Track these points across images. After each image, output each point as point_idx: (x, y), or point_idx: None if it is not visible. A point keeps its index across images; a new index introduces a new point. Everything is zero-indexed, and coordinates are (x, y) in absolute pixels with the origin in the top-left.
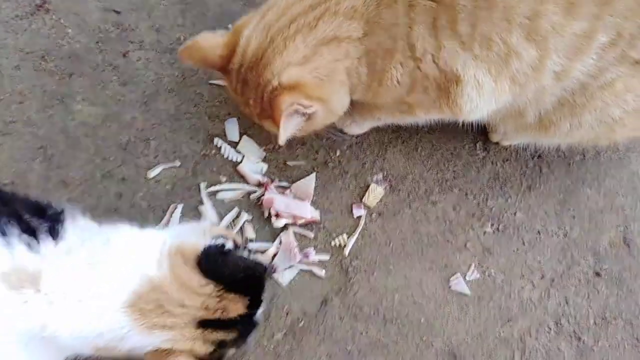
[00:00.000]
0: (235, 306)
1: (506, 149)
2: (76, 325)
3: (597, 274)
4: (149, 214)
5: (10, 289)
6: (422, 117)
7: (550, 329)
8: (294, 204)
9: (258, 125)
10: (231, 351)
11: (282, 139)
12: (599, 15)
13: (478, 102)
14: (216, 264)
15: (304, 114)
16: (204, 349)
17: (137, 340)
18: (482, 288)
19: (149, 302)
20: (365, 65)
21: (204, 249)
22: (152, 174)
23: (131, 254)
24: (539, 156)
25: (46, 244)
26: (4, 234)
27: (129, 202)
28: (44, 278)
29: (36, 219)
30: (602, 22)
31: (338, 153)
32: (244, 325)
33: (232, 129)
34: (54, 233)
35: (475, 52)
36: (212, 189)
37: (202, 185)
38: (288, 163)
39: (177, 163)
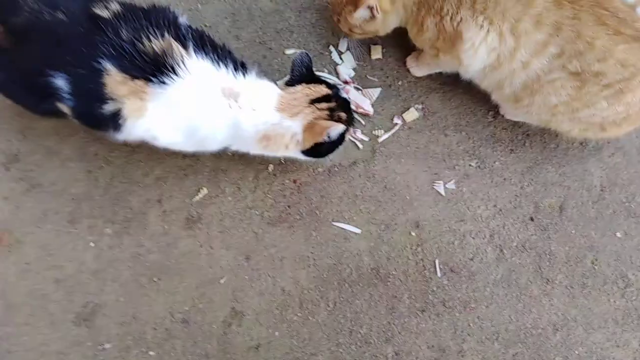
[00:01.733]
0: (321, 88)
1: (507, 121)
2: (256, 120)
3: (531, 219)
4: (275, 75)
5: (224, 97)
6: (444, 62)
7: (485, 237)
8: (361, 98)
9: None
10: (343, 115)
11: (357, 16)
12: (552, 34)
13: (471, 60)
14: (294, 78)
15: (372, 14)
16: (322, 114)
17: (289, 125)
18: (452, 195)
19: (283, 103)
20: (416, 8)
21: (287, 79)
22: (288, 52)
23: (272, 88)
24: (528, 134)
25: (242, 76)
26: (226, 65)
27: (268, 64)
28: (241, 95)
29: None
30: (553, 39)
31: (400, 82)
32: (337, 98)
33: (343, 43)
34: (246, 72)
35: (479, 24)
36: (318, 73)
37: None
38: (367, 77)
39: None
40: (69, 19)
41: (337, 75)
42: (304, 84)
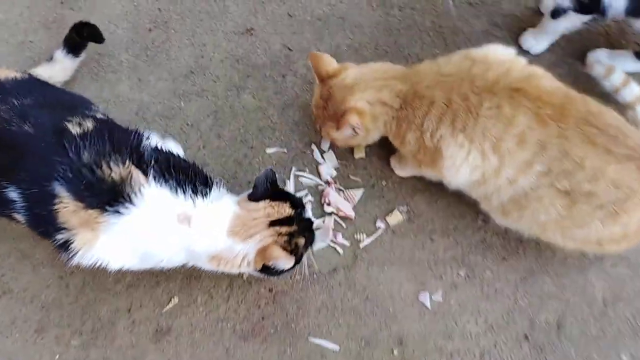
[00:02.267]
0: (284, 208)
1: (499, 226)
2: (206, 244)
3: (526, 337)
4: (256, 173)
5: (178, 223)
6: (426, 173)
7: (475, 356)
8: (341, 202)
9: (343, 147)
10: (301, 241)
11: (339, 136)
12: (537, 153)
13: (454, 177)
14: (257, 192)
15: (354, 131)
16: (280, 239)
17: (240, 248)
18: (439, 308)
19: (238, 225)
20: (395, 122)
21: (249, 193)
22: (269, 150)
23: (228, 209)
24: (521, 241)
25: (199, 199)
26: (185, 190)
27: (248, 163)
28: (194, 219)
29: (201, 184)
30: (539, 158)
31: (384, 183)
32: (299, 220)
33: (325, 142)
34: (205, 194)
35: (459, 143)
36: (298, 173)
37: (293, 169)
38: (350, 176)
39: (285, 150)
40: (35, 133)
41: (319, 175)
42: (267, 201)
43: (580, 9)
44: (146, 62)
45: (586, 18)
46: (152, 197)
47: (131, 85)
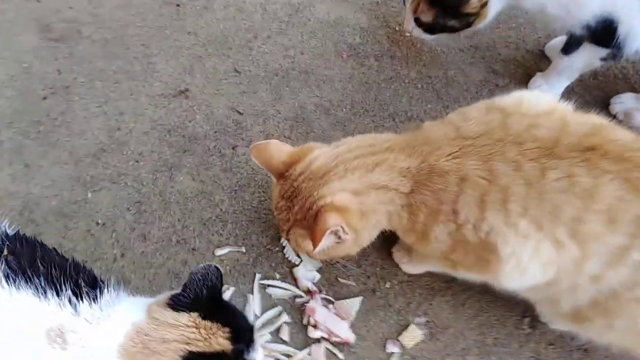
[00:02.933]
0: (216, 336)
1: (553, 332)
2: None
3: None
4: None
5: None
6: (465, 275)
7: None
8: (334, 320)
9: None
10: None
11: (317, 250)
12: (636, 235)
13: (517, 281)
14: (183, 296)
15: (338, 237)
16: None
17: None
18: None
19: (135, 344)
20: (407, 212)
21: (174, 294)
22: (220, 252)
23: (126, 315)
24: (585, 350)
25: (82, 305)
26: (60, 292)
27: (189, 270)
28: (73, 333)
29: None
30: (637, 241)
31: (388, 285)
32: None
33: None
34: (93, 299)
35: (522, 233)
36: (265, 282)
37: (257, 276)
38: (340, 279)
39: (243, 249)
40: None
41: (295, 281)
42: (195, 315)
43: (592, 37)
44: (37, 140)
45: (602, 53)
46: (4, 304)
47: (14, 174)
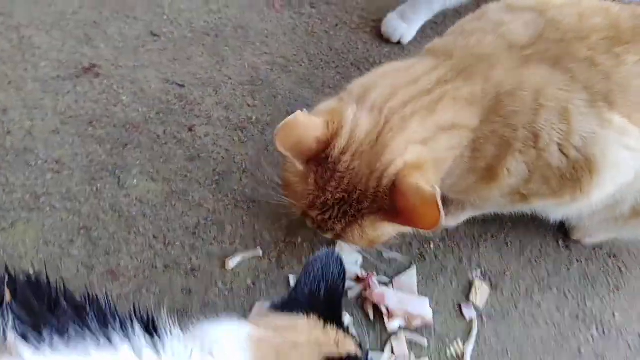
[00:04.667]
0: (348, 341)
1: (585, 248)
2: None
3: None
4: (227, 313)
5: None
6: (536, 205)
7: None
8: (410, 300)
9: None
10: None
11: (392, 231)
12: None
13: (611, 185)
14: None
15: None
16: None
17: None
18: None
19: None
20: (470, 150)
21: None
22: (232, 263)
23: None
24: (614, 255)
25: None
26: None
27: (200, 301)
28: None
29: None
30: None
31: (432, 246)
32: None
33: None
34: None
35: (617, 127)
36: None
37: (292, 278)
38: (384, 255)
39: (259, 252)
40: None
41: None
42: (314, 317)
43: None
44: None
45: None
46: None
47: None
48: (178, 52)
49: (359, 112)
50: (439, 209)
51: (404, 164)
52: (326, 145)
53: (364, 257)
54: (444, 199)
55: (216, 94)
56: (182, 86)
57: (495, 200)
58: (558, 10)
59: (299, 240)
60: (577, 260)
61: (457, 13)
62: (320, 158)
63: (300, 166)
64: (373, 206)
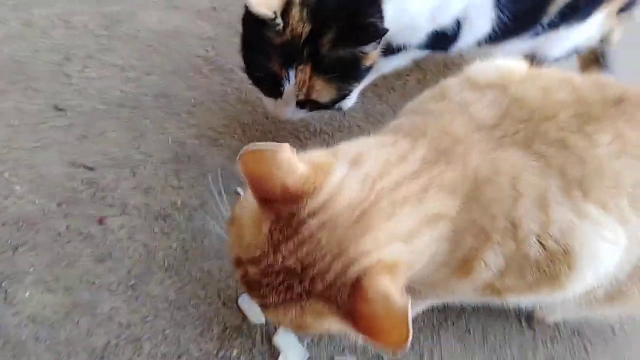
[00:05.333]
0: None
1: (548, 326)
2: None
3: None
4: None
5: None
6: (511, 301)
7: None
8: None
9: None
10: None
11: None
12: None
13: (591, 279)
14: None
15: None
16: None
17: None
18: None
19: None
20: (448, 243)
21: None
22: None
23: None
24: (579, 332)
25: None
26: None
27: None
28: None
29: None
30: None
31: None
32: None
33: (258, 310)
34: None
35: (593, 219)
36: None
37: None
38: (335, 358)
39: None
40: None
41: None
42: None
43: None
44: None
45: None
46: None
47: None
48: (87, 129)
49: (348, 178)
50: (408, 328)
51: (378, 261)
52: (293, 199)
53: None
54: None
55: (133, 176)
56: (92, 169)
57: (464, 295)
58: (519, 86)
59: (235, 354)
60: (542, 343)
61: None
62: (284, 209)
63: (256, 204)
64: (327, 293)
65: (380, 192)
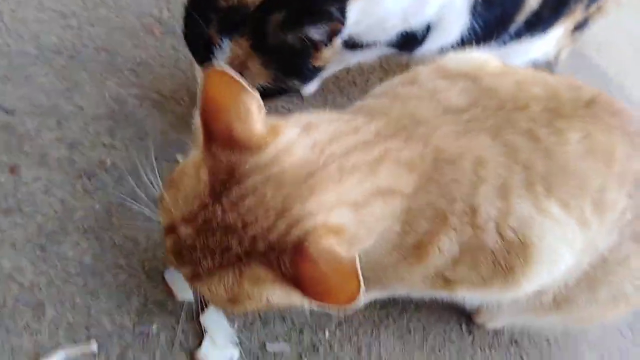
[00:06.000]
0: None
1: (488, 333)
2: None
3: None
4: None
5: None
6: (459, 294)
7: None
8: None
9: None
10: None
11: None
12: (631, 195)
13: (547, 277)
14: None
15: None
16: None
17: None
18: None
19: None
20: (400, 224)
21: None
22: None
23: None
24: (516, 342)
25: None
26: None
27: None
28: None
29: None
30: (631, 201)
31: (327, 333)
32: None
33: (185, 286)
34: None
35: (555, 217)
36: None
37: None
38: (267, 347)
39: (94, 347)
40: None
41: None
42: None
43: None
44: None
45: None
46: None
47: None
48: (13, 71)
49: (298, 140)
50: (359, 280)
51: (323, 223)
52: (240, 148)
53: (241, 347)
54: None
55: (59, 127)
56: (10, 113)
57: (413, 284)
58: (494, 79)
59: (154, 329)
60: (481, 349)
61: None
62: (228, 158)
63: (198, 156)
64: (269, 256)
65: (330, 157)
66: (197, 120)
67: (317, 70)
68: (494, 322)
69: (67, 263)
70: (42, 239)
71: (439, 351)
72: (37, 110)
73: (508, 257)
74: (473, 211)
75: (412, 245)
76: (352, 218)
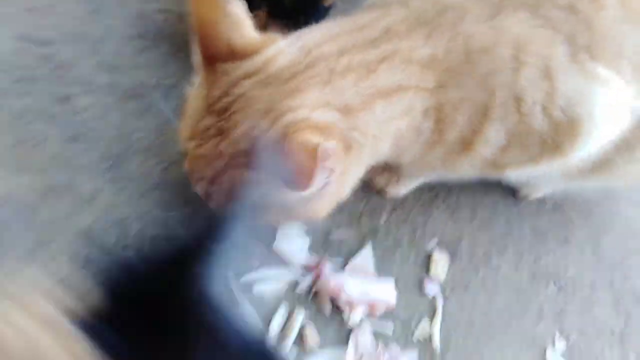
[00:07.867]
0: None
1: (532, 203)
2: None
3: None
4: None
5: None
6: (510, 175)
7: None
8: (372, 286)
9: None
10: None
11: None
12: None
13: (594, 146)
14: None
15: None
16: None
17: None
18: (572, 356)
19: None
20: (432, 119)
21: None
22: None
23: None
24: (560, 207)
25: None
26: None
27: None
28: None
29: None
30: None
31: (384, 218)
32: None
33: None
34: None
35: (602, 79)
36: (244, 279)
37: (232, 277)
38: (330, 236)
39: None
40: None
41: (284, 262)
42: None
43: None
44: None
45: None
46: None
47: None
48: (36, 0)
49: (287, 46)
50: (316, 161)
51: (306, 118)
52: (238, 54)
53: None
54: (389, 167)
55: (95, 52)
56: (46, 44)
57: (463, 171)
58: None
59: None
60: (530, 215)
61: None
62: (218, 69)
63: (202, 68)
64: (249, 155)
65: (316, 58)
66: (195, 47)
67: (328, 9)
68: (537, 192)
69: (139, 181)
70: (110, 161)
71: (489, 223)
72: (69, 37)
73: (556, 136)
74: (517, 99)
75: (455, 140)
76: (344, 121)
